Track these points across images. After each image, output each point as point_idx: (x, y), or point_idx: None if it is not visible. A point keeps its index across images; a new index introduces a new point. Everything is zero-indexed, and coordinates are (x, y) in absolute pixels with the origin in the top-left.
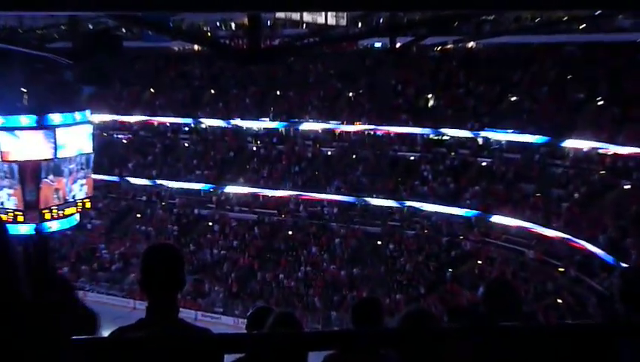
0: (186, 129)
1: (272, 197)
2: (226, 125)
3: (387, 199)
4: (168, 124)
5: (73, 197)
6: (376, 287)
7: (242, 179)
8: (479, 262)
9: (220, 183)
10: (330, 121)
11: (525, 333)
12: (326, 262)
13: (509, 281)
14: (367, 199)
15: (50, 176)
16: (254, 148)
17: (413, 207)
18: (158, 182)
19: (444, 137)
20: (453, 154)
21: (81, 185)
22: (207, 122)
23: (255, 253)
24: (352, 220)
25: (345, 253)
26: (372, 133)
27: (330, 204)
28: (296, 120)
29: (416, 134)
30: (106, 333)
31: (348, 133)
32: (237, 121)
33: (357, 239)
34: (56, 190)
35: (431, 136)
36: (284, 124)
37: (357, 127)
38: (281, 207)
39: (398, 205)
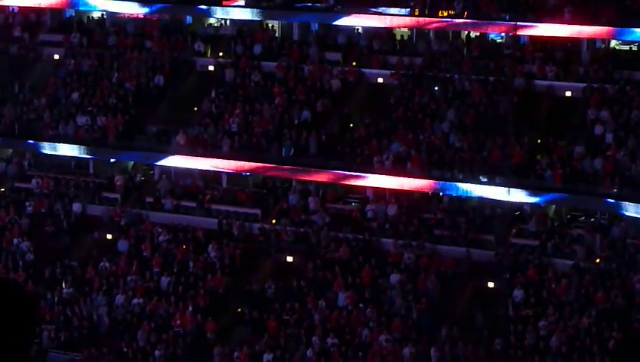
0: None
1: (250, 176)
2: (147, 12)
3: (510, 186)
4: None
5: None
6: None
7: (182, 136)
8: None
9: (132, 146)
10: (384, 10)
11: None
12: (369, 326)
13: None
14: (463, 185)
15: None
16: (211, 68)
17: (578, 203)
18: None
19: None
20: None
21: None
22: (105, 5)
23: (210, 304)
24: (429, 231)
25: (413, 303)
26: (479, 34)
27: (379, 196)
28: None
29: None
30: None
31: (423, 32)
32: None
33: (439, 273)
34: None
35: (615, 43)
36: (277, 12)
37: (444, 20)
38: (271, 199)
39: (532, 199)
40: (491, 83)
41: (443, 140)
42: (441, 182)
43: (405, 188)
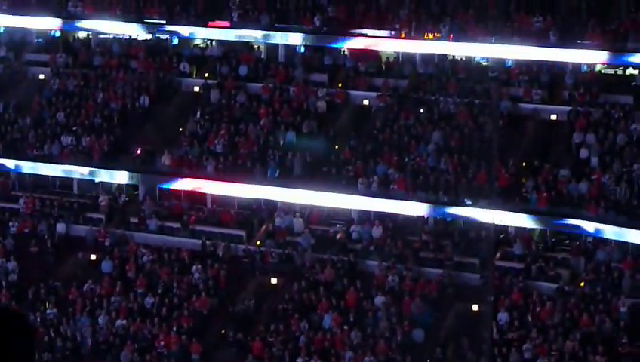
0: (40, 40)
1: (235, 199)
2: (132, 35)
3: (495, 209)
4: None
5: None
6: None
7: (167, 155)
8: None
9: (117, 165)
10: (369, 32)
11: None
12: (353, 348)
13: None
14: (449, 209)
15: None
16: (196, 89)
17: (561, 225)
18: None
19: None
20: None
21: None
22: (88, 25)
23: (195, 325)
24: (414, 253)
25: (398, 327)
26: (465, 58)
27: (364, 218)
28: (290, 25)
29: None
30: None
31: (410, 56)
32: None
33: (424, 297)
34: None
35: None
36: (263, 33)
37: (430, 43)
38: (256, 221)
39: (524, 221)
40: (477, 105)
41: (428, 162)
42: (426, 204)
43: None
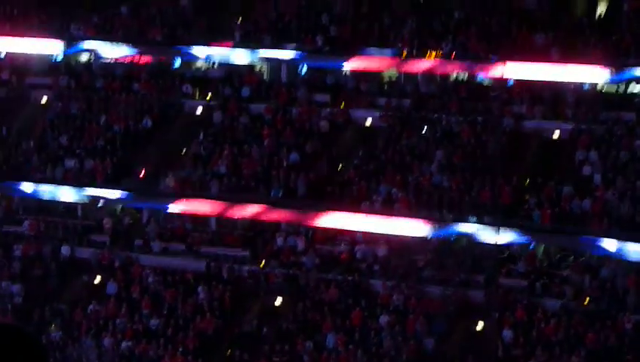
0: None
1: (239, 219)
2: (134, 56)
3: (498, 226)
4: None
5: None
6: None
7: (171, 177)
8: None
9: (121, 187)
10: (372, 50)
11: None
12: None
13: None
14: (454, 226)
15: None
16: (199, 110)
17: (567, 245)
18: None
19: None
20: None
21: None
22: (91, 46)
23: (200, 346)
24: (418, 272)
25: (403, 346)
26: (468, 78)
27: (369, 237)
28: (294, 45)
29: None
30: None
31: (411, 75)
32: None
33: (428, 315)
34: None
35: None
36: (261, 53)
37: (431, 62)
38: (260, 241)
39: (520, 239)
40: (479, 123)
41: (431, 181)
42: (429, 223)
43: (396, 231)
